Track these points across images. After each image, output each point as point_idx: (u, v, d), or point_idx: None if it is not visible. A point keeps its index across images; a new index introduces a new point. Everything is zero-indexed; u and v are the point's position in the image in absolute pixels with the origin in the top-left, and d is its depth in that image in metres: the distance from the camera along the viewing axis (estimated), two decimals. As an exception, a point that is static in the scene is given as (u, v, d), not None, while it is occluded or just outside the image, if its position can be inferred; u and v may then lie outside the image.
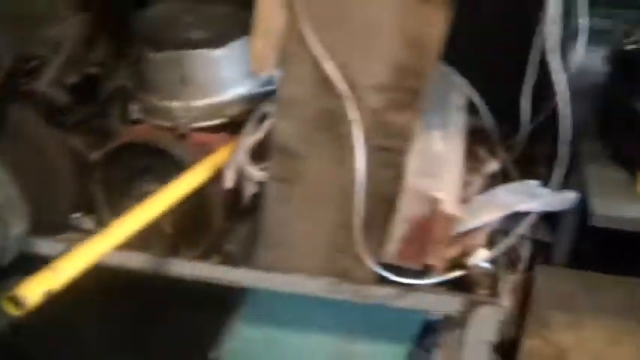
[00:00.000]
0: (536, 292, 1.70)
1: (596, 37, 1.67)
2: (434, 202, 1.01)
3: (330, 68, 0.99)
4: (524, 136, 1.36)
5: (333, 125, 1.03)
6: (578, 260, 1.70)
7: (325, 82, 1.00)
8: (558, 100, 1.10)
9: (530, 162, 1.41)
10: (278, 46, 0.99)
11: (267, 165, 1.09)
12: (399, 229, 1.04)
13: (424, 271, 1.11)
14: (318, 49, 0.98)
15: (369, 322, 1.27)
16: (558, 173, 1.17)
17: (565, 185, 1.26)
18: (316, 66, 1.00)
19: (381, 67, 0.98)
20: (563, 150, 1.14)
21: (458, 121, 1.25)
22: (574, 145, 1.52)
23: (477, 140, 1.36)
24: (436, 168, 1.08)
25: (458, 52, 1.52)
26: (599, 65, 1.66)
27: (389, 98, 1.00)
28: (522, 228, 1.18)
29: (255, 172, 1.08)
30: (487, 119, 1.36)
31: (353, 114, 1.00)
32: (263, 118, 1.12)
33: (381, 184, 1.04)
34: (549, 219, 1.67)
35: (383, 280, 1.11)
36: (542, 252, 1.83)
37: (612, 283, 1.68)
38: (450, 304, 1.11)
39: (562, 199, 1.18)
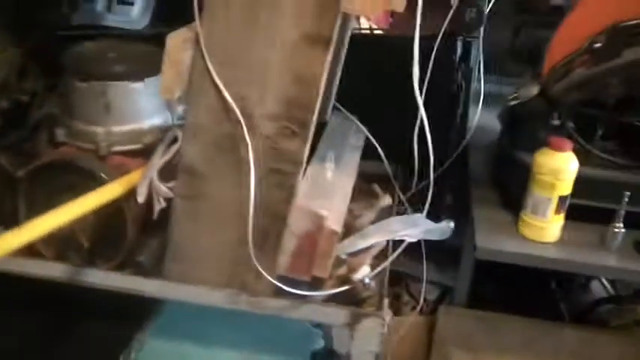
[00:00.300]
0: (438, 331, 1.87)
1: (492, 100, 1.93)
2: (319, 218, 1.18)
3: (229, 99, 1.17)
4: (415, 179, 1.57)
5: (232, 149, 1.20)
6: (478, 301, 1.89)
7: (226, 111, 1.18)
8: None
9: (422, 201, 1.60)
10: (185, 78, 1.17)
11: (175, 184, 1.25)
12: (289, 243, 1.21)
13: (316, 285, 1.27)
14: (219, 82, 1.16)
15: (272, 337, 1.43)
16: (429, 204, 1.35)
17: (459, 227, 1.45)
18: (218, 97, 1.17)
19: (272, 99, 1.17)
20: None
21: (351, 158, 1.45)
22: (468, 192, 1.74)
23: (374, 179, 1.56)
24: (324, 192, 1.25)
25: (364, 104, 1.75)
26: (495, 124, 1.91)
27: (280, 127, 1.18)
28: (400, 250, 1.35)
29: (164, 189, 1.25)
30: (385, 163, 1.56)
31: (249, 140, 1.18)
32: (173, 142, 1.29)
33: (274, 203, 1.21)
34: (451, 263, 1.87)
35: (280, 293, 1.27)
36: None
37: (509, 322, 1.86)
38: (337, 316, 1.27)
39: (442, 229, 1.36)
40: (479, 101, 1.96)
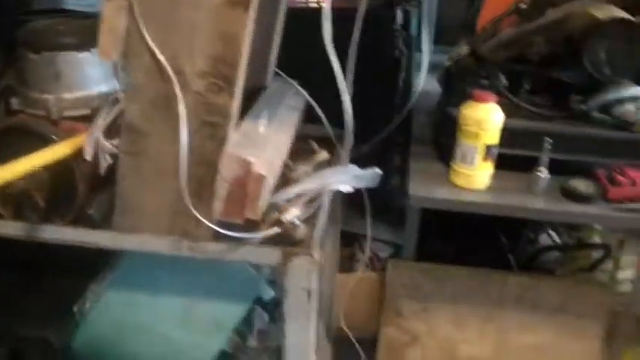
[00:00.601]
0: (388, 284, 2.03)
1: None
2: (246, 164, 1.33)
3: (162, 60, 1.32)
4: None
5: (168, 107, 1.35)
6: (429, 257, 2.05)
7: (160, 71, 1.33)
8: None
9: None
10: (120, 42, 1.32)
11: (119, 141, 1.41)
12: (221, 189, 1.36)
13: (252, 230, 1.42)
14: (152, 45, 1.31)
15: (217, 284, 1.58)
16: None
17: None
18: (152, 58, 1.32)
19: (201, 58, 1.31)
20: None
21: (288, 116, 1.60)
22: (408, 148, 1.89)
23: (317, 141, 1.71)
24: (254, 143, 1.40)
25: (309, 72, 1.88)
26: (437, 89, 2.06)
27: (208, 83, 1.32)
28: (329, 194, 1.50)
29: (109, 147, 1.40)
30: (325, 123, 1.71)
31: (181, 97, 1.33)
32: (115, 103, 1.45)
33: (208, 153, 1.36)
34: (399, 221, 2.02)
35: (219, 238, 1.41)
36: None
37: (455, 272, 2.02)
38: (270, 256, 1.42)
39: (370, 175, 1.51)
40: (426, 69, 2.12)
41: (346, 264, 2.23)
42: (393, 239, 2.22)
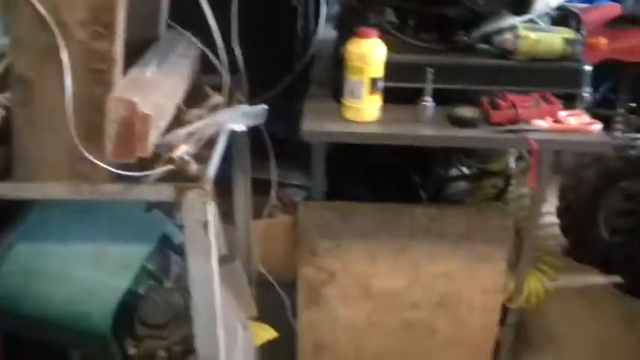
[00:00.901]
0: (301, 225, 2.16)
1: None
2: (132, 104, 1.44)
3: (44, 12, 1.42)
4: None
5: (54, 56, 1.45)
6: (340, 197, 2.18)
7: (43, 23, 1.43)
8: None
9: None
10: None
11: (11, 93, 1.51)
12: (111, 131, 1.47)
13: (145, 168, 1.53)
14: (33, -3, 1.42)
15: (122, 227, 1.70)
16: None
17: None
18: (34, 11, 1.43)
19: (81, 7, 1.42)
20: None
21: (178, 63, 1.71)
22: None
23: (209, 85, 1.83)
24: (141, 86, 1.52)
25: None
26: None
27: (90, 31, 1.43)
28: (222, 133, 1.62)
29: (1, 100, 1.50)
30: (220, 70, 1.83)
31: (65, 46, 1.44)
32: (2, 57, 1.55)
33: (96, 98, 1.47)
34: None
35: (117, 179, 1.53)
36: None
37: (363, 208, 2.16)
38: (165, 192, 1.53)
39: (257, 111, 1.63)
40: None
41: (262, 211, 2.36)
42: (306, 183, 2.35)
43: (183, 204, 1.54)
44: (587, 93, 1.89)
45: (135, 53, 1.65)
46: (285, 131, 2.05)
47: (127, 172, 1.50)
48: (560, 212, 3.18)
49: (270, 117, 2.09)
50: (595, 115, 3.16)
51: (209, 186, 1.54)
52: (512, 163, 2.36)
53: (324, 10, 2.21)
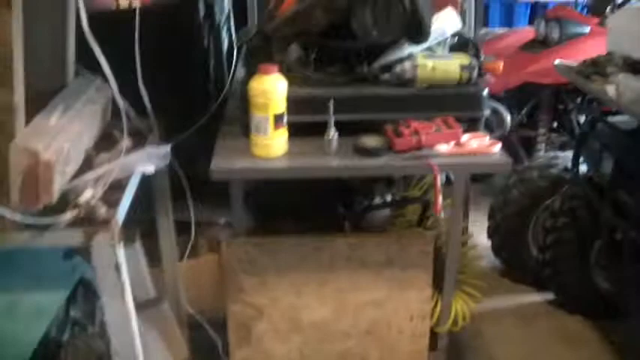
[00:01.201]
0: (226, 263, 2.23)
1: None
2: (34, 152, 1.51)
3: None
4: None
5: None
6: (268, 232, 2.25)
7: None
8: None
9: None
10: None
11: None
12: (16, 180, 1.53)
13: (54, 214, 1.59)
14: None
15: (40, 275, 1.75)
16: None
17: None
18: None
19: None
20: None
21: (86, 108, 1.78)
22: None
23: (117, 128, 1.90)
24: (44, 133, 1.58)
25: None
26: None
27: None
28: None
29: None
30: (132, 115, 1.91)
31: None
32: None
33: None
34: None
35: (24, 227, 1.58)
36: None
37: (285, 242, 2.24)
38: (74, 236, 1.60)
39: (161, 152, 1.71)
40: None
41: (190, 252, 2.42)
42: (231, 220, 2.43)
43: (92, 248, 1.60)
44: (485, 116, 2.01)
45: (41, 101, 1.72)
46: (205, 171, 2.12)
47: (33, 220, 1.56)
48: (491, 233, 3.30)
49: (191, 157, 2.18)
50: (519, 137, 3.33)
51: (118, 229, 1.60)
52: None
53: (234, 48, 2.31)
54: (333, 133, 1.91)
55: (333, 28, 2.01)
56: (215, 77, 2.34)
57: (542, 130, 3.60)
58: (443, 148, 1.91)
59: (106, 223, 1.61)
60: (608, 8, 3.60)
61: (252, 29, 2.05)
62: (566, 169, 3.04)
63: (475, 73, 2.00)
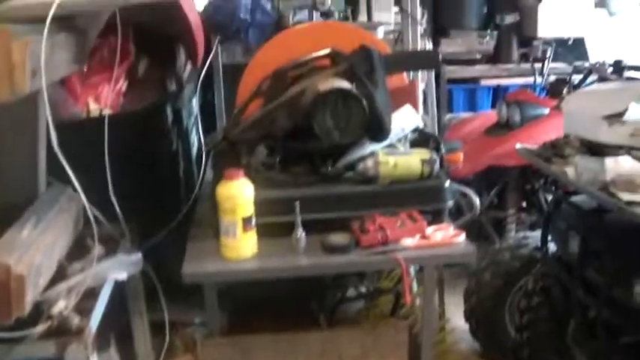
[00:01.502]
0: (202, 362, 2.26)
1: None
2: (5, 267, 1.57)
3: None
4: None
5: None
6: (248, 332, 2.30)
7: None
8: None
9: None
10: None
11: None
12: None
13: (28, 327, 1.64)
14: None
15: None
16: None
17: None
18: None
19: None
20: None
21: (58, 218, 1.85)
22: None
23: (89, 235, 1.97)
24: (15, 246, 1.64)
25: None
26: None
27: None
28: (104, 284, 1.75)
29: None
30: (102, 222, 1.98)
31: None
32: None
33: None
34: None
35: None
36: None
37: (260, 340, 2.28)
38: (47, 348, 1.64)
39: (133, 260, 1.78)
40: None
41: (166, 353, 2.45)
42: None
43: (65, 359, 1.64)
44: (449, 207, 2.09)
45: (14, 213, 1.79)
46: (178, 272, 2.18)
47: (4, 335, 1.60)
48: (468, 316, 3.35)
49: (163, 259, 2.25)
50: (489, 218, 3.40)
51: (91, 338, 1.65)
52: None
53: (203, 151, 2.40)
54: (300, 233, 1.98)
55: (296, 130, 2.10)
56: (185, 180, 2.43)
57: (511, 211, 3.70)
58: (408, 241, 1.99)
59: (79, 332, 1.66)
60: (565, 90, 3.75)
61: (219, 134, 2.14)
62: (537, 249, 3.11)
63: (436, 166, 2.09)
